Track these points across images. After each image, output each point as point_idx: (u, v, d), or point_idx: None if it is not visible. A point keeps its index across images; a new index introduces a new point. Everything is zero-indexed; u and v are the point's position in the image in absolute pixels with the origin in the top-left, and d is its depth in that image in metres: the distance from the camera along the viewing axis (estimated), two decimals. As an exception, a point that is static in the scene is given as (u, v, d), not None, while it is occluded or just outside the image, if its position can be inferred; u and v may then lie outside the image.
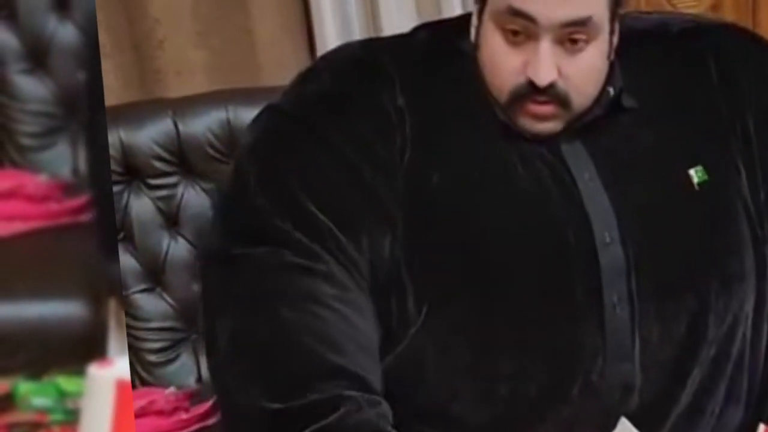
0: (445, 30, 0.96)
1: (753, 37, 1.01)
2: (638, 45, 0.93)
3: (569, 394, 0.88)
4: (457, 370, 0.88)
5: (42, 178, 1.11)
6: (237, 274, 0.88)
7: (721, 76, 0.94)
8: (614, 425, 0.88)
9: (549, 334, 0.89)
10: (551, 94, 0.87)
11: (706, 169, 0.91)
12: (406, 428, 0.86)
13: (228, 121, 1.33)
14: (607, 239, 0.89)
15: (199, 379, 1.30)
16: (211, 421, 1.19)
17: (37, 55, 1.26)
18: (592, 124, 0.90)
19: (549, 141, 0.90)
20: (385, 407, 0.84)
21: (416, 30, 0.97)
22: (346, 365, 0.84)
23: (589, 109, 0.89)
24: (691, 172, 0.91)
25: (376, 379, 0.86)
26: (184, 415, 1.16)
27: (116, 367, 0.60)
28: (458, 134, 0.90)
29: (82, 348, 0.71)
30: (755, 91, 0.94)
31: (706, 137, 0.93)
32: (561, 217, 0.89)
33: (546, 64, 0.85)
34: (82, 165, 1.23)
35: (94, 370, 0.60)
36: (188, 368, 1.30)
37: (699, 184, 0.91)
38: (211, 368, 0.90)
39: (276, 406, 0.82)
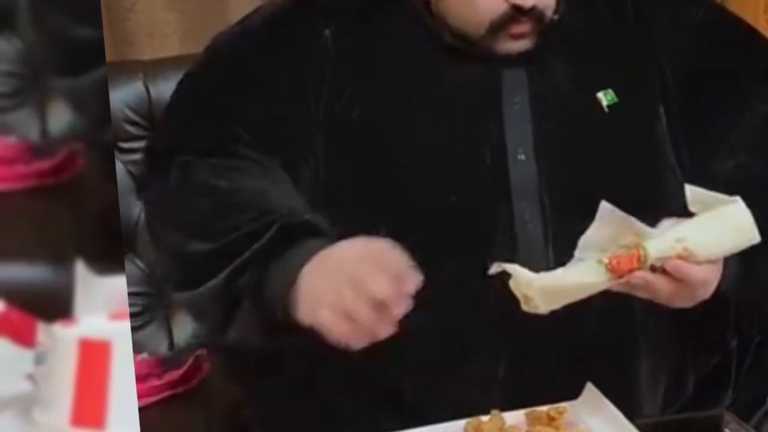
0: None
1: None
2: None
3: (484, 313, 0.90)
4: None
5: (10, 140, 1.08)
6: (170, 166, 0.95)
7: (637, 15, 0.99)
8: None
9: (464, 252, 0.92)
10: (533, 13, 0.93)
11: (617, 93, 0.96)
12: None
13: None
14: (521, 156, 0.93)
15: (171, 346, 1.29)
16: (182, 388, 1.18)
17: (4, 14, 1.23)
18: (535, 55, 0.96)
19: (495, 68, 0.95)
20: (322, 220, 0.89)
21: None
22: (280, 203, 0.90)
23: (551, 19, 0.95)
24: (600, 95, 0.96)
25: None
26: (156, 382, 1.15)
27: (80, 325, 0.59)
28: (387, 65, 0.96)
29: (48, 310, 0.70)
30: (670, 36, 0.99)
31: (618, 65, 0.98)
32: (480, 137, 0.94)
33: None
34: (51, 126, 1.21)
35: (57, 328, 0.59)
36: (160, 334, 1.29)
37: (609, 106, 0.96)
38: (156, 244, 0.99)
39: (218, 243, 0.88)
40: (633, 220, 0.82)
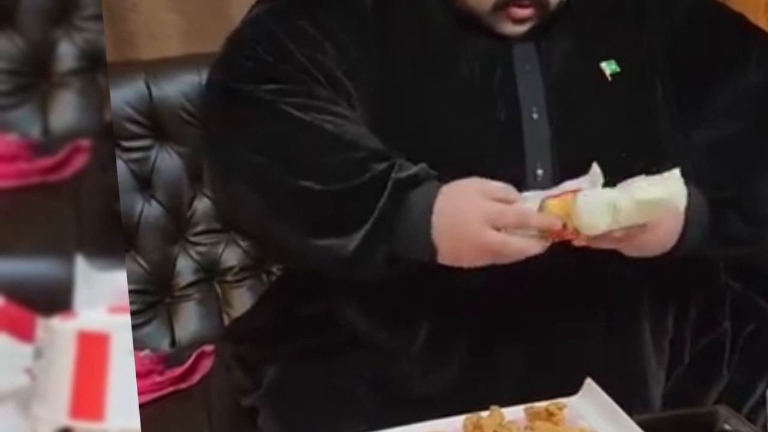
0: None
1: None
2: None
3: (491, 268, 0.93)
4: None
5: (11, 137, 1.09)
6: (247, 106, 0.95)
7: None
8: None
9: None
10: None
11: (618, 63, 1.01)
12: None
13: (201, 86, 1.31)
14: (534, 115, 0.98)
15: (173, 343, 1.29)
16: (184, 384, 1.18)
17: (6, 12, 1.23)
18: (543, 30, 1.00)
19: (505, 41, 1.00)
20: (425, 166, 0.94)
21: None
22: (382, 148, 0.94)
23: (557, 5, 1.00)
24: (603, 65, 1.00)
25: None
26: (158, 378, 1.16)
27: (79, 319, 0.59)
28: (414, 33, 1.01)
29: (48, 305, 0.70)
30: (662, 14, 1.04)
31: (619, 38, 1.03)
32: (495, 101, 0.98)
33: None
34: (53, 124, 1.21)
35: (55, 322, 0.59)
36: (162, 332, 1.29)
37: (612, 75, 1.00)
38: (241, 207, 0.96)
39: (344, 186, 0.91)
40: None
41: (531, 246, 0.88)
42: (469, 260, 0.91)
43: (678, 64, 1.03)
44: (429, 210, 0.89)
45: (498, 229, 0.88)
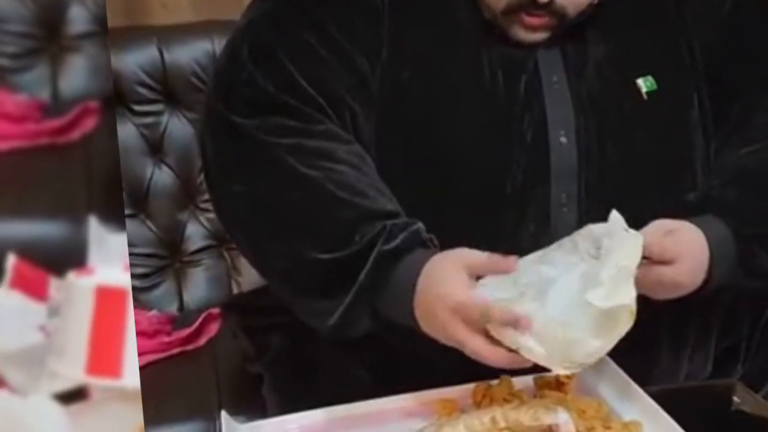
0: None
1: None
2: None
3: None
4: None
5: (21, 98, 1.08)
6: (242, 142, 0.91)
7: None
8: None
9: (498, 232, 0.92)
10: (550, 8, 0.91)
11: (656, 79, 0.95)
12: None
13: (213, 53, 1.31)
14: (562, 140, 0.93)
15: (181, 307, 1.30)
16: (191, 346, 1.19)
17: (17, -27, 1.22)
18: (570, 33, 0.95)
19: (529, 46, 0.94)
20: (417, 223, 0.88)
21: None
22: (375, 206, 0.88)
23: (577, 16, 0.93)
24: (640, 81, 0.95)
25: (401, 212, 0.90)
26: (165, 338, 1.16)
27: (97, 275, 0.59)
28: (434, 34, 0.94)
29: (61, 265, 0.70)
30: (702, 17, 0.97)
31: (657, 49, 0.97)
32: (521, 117, 0.93)
33: None
34: (62, 87, 1.20)
35: (72, 278, 0.59)
36: (171, 295, 1.30)
37: (648, 93, 0.94)
38: (234, 235, 0.94)
39: (326, 256, 0.86)
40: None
41: (490, 353, 0.79)
42: (445, 342, 0.83)
43: (719, 75, 0.96)
44: (411, 289, 0.83)
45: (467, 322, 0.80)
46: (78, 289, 0.59)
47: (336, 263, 0.86)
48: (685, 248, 0.86)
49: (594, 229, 0.84)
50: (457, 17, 0.95)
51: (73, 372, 0.58)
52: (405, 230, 0.87)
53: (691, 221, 0.89)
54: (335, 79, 0.92)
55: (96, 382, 0.58)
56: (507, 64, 0.94)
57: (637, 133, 0.94)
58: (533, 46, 0.94)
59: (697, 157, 0.96)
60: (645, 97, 0.94)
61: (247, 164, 0.91)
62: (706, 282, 0.88)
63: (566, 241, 0.84)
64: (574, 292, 0.79)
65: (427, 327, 0.84)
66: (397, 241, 0.86)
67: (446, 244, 0.87)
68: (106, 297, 0.58)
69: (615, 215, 0.83)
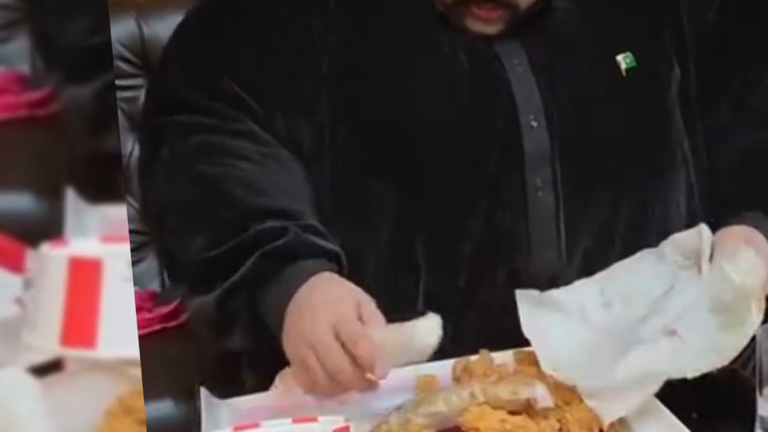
0: None
1: None
2: None
3: (495, 282, 0.89)
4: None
5: (0, 70, 1.07)
6: (157, 141, 0.92)
7: None
8: None
9: (473, 220, 0.90)
10: (498, 2, 0.89)
11: (635, 56, 0.93)
12: None
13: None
14: (533, 123, 0.91)
15: (163, 283, 1.29)
16: (173, 322, 1.18)
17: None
18: (527, 22, 0.93)
19: (487, 37, 0.92)
20: (322, 230, 0.87)
21: None
22: (274, 205, 0.87)
23: (530, 8, 0.91)
24: (619, 58, 0.92)
25: (309, 216, 0.88)
26: (147, 315, 1.16)
27: (71, 246, 0.59)
28: (390, 21, 0.93)
29: (38, 237, 0.69)
30: None
31: (637, 26, 0.95)
32: (488, 102, 0.91)
33: None
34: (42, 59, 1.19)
35: (46, 249, 0.58)
36: (152, 271, 1.29)
37: (627, 70, 0.92)
38: (151, 230, 0.99)
39: (213, 252, 0.85)
40: None
41: (355, 378, 0.77)
42: (294, 351, 0.80)
43: (709, 42, 0.95)
44: (294, 289, 0.81)
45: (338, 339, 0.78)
46: (51, 261, 0.59)
47: (217, 260, 0.85)
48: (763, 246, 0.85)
49: (679, 238, 0.83)
50: (413, 6, 0.93)
51: (47, 344, 0.58)
52: (300, 234, 0.84)
53: (741, 222, 0.87)
54: (260, 76, 0.91)
55: (70, 354, 0.58)
56: (469, 51, 0.92)
57: (615, 111, 0.93)
58: (491, 37, 0.92)
59: (675, 135, 0.95)
60: (624, 74, 0.92)
61: (152, 162, 0.92)
62: None
63: (649, 252, 0.83)
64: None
65: (291, 324, 0.80)
66: (280, 242, 0.83)
67: (418, 238, 0.86)
68: (79, 267, 0.58)
69: (703, 227, 0.81)
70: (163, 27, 1.29)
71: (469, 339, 0.87)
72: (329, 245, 0.86)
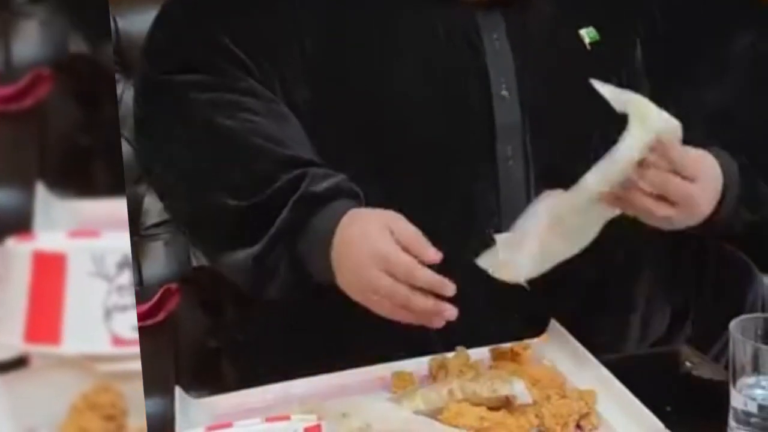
0: None
1: None
2: None
3: (467, 250, 0.89)
4: None
5: (-29, 66, 1.05)
6: (162, 97, 0.93)
7: None
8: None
9: (445, 191, 0.92)
10: None
11: (599, 31, 0.95)
12: None
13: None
14: (504, 93, 0.93)
15: (140, 281, 1.28)
16: (149, 321, 1.17)
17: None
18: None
19: (466, 11, 0.94)
20: (345, 177, 0.89)
21: None
22: (297, 154, 0.89)
23: None
24: (582, 32, 0.95)
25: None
26: (121, 313, 1.14)
27: (36, 240, 0.58)
28: None
29: (7, 232, 0.68)
30: None
31: (600, 2, 0.97)
32: (462, 72, 0.93)
33: None
34: (15, 55, 1.18)
35: (11, 244, 0.57)
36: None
37: (590, 43, 0.95)
38: (160, 191, 0.97)
39: (244, 203, 0.87)
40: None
41: (396, 312, 0.81)
42: (359, 296, 0.84)
43: (674, 13, 0.97)
44: (330, 234, 0.84)
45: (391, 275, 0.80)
46: (16, 255, 0.58)
47: (253, 209, 0.86)
48: (708, 169, 0.85)
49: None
50: None
51: (11, 340, 0.57)
52: (328, 178, 0.87)
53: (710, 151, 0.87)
54: (261, 39, 0.93)
55: (34, 350, 0.57)
56: (447, 20, 0.93)
57: (582, 82, 0.93)
58: (473, 6, 0.94)
59: None
60: (588, 47, 0.95)
61: (166, 119, 0.92)
62: (715, 212, 0.86)
63: None
64: None
65: (343, 276, 0.84)
66: (319, 186, 0.86)
67: (391, 207, 0.86)
68: (43, 262, 0.57)
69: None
70: (139, 24, 1.28)
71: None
72: (351, 186, 0.88)
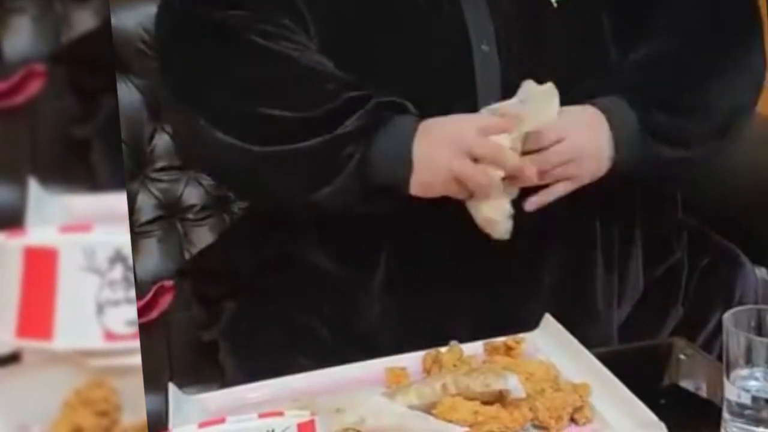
0: None
1: None
2: None
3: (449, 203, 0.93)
4: None
5: (-38, 62, 1.05)
6: (210, 35, 0.95)
7: None
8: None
9: None
10: None
11: None
12: None
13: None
14: (484, 47, 0.97)
15: (134, 279, 1.27)
16: (143, 319, 1.17)
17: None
18: None
19: None
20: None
21: None
22: (349, 78, 0.94)
23: None
24: None
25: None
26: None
27: (28, 236, 0.57)
28: None
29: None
30: None
31: None
32: (442, 28, 0.97)
33: None
34: (7, 51, 1.17)
35: (2, 239, 0.57)
36: (120, 266, 1.27)
37: (558, 2, 0.99)
38: (190, 122, 0.96)
39: (306, 114, 0.91)
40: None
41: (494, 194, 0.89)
42: (438, 186, 0.91)
43: None
44: (414, 124, 0.90)
45: (475, 160, 0.90)
46: (6, 250, 0.58)
47: (329, 114, 0.90)
48: (574, 122, 0.92)
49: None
50: None
51: (3, 335, 0.57)
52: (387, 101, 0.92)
53: (590, 104, 0.95)
54: None
55: (26, 345, 0.57)
56: None
57: (552, 40, 0.99)
58: None
59: (611, 63, 1.00)
60: (555, 5, 0.98)
61: (219, 57, 0.94)
62: (613, 159, 0.93)
63: None
64: None
65: (423, 167, 0.90)
66: (391, 98, 0.91)
67: None
68: (34, 257, 0.57)
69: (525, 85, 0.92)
70: (131, 19, 1.28)
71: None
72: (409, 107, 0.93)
